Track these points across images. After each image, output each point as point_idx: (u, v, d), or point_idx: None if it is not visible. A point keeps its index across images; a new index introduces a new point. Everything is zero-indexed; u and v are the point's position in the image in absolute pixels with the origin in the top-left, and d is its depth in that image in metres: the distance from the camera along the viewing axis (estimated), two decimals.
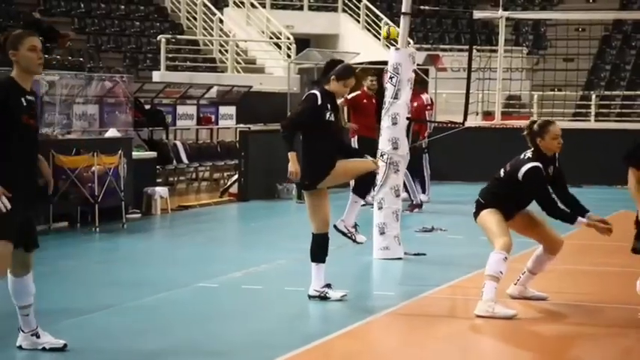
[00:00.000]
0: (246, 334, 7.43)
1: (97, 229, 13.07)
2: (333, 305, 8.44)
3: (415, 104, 15.19)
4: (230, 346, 7.10)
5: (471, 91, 12.46)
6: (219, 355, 6.86)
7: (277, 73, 25.48)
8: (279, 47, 26.53)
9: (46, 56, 18.82)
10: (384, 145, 11.03)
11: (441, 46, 28.93)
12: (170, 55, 23.81)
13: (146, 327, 7.67)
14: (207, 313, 8.21)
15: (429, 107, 16.76)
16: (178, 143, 19.06)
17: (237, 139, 18.62)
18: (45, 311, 8.15)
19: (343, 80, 8.50)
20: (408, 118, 11.30)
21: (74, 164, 13.02)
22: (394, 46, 11.50)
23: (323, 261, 8.53)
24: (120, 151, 13.65)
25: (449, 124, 13.96)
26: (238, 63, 25.17)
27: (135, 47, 24.65)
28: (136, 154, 15.27)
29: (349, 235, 8.84)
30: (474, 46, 13.43)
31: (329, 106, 8.46)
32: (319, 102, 8.41)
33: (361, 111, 15.74)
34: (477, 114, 23.63)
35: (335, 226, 8.76)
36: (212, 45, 25.99)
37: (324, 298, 8.46)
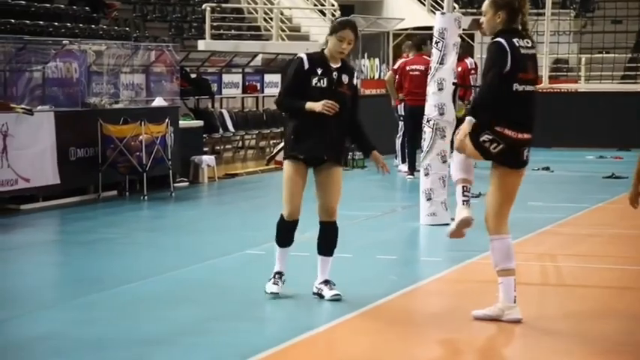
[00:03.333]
0: (294, 301, 7.45)
1: (146, 197, 13.18)
2: (381, 271, 8.46)
3: (459, 69, 15.06)
4: (278, 313, 7.15)
5: None
6: (264, 322, 6.91)
7: (322, 40, 25.35)
8: (324, 14, 26.44)
9: (93, 26, 18.98)
10: (430, 111, 10.98)
11: None
12: (215, 24, 23.82)
13: (193, 294, 7.72)
14: (254, 280, 8.25)
15: (473, 71, 16.62)
16: (224, 112, 19.11)
17: None
18: (94, 279, 8.27)
19: (335, 33, 7.55)
20: (454, 84, 11.23)
21: (122, 133, 13.13)
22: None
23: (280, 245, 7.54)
24: (167, 120, 13.72)
25: None
26: (283, 31, 25.12)
27: (180, 16, 24.69)
28: (183, 122, 15.36)
29: None
30: None
31: (319, 70, 7.53)
32: (305, 66, 7.50)
33: (405, 78, 15.69)
34: None
35: None
36: (256, 13, 25.95)
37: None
